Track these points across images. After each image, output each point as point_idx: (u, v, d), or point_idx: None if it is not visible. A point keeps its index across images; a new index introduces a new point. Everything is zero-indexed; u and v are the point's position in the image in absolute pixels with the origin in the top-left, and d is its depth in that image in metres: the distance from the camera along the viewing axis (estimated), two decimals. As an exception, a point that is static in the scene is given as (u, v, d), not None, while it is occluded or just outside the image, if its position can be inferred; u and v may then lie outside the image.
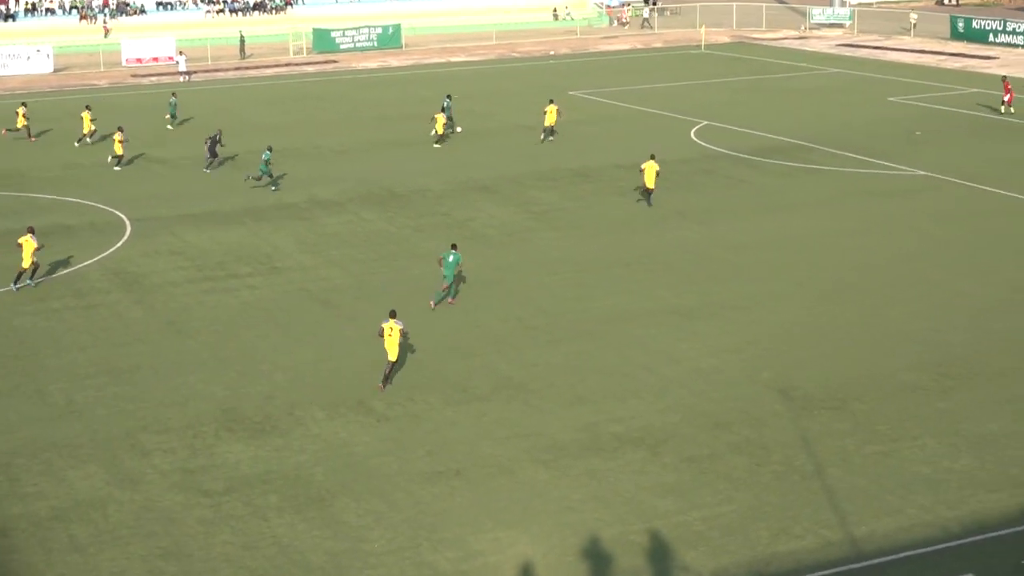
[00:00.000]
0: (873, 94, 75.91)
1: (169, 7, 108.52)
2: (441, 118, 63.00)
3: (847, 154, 58.47)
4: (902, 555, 24.29)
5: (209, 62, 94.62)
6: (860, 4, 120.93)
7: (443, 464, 28.32)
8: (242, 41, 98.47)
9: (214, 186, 54.88)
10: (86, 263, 43.59)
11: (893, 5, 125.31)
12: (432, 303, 38.58)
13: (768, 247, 44.31)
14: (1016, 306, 37.76)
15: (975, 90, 76.03)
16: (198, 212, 50.30)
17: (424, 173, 56.59)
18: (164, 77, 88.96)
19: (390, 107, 73.88)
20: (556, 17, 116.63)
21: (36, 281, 41.31)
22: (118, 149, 58.54)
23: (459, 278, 39.51)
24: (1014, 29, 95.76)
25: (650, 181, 49.08)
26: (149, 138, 65.63)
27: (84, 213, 50.37)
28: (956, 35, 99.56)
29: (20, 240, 40.94)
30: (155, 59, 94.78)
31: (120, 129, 59.54)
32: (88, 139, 63.65)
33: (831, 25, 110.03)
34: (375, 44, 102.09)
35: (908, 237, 45.15)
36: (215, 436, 29.87)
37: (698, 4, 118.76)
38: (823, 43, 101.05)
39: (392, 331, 32.27)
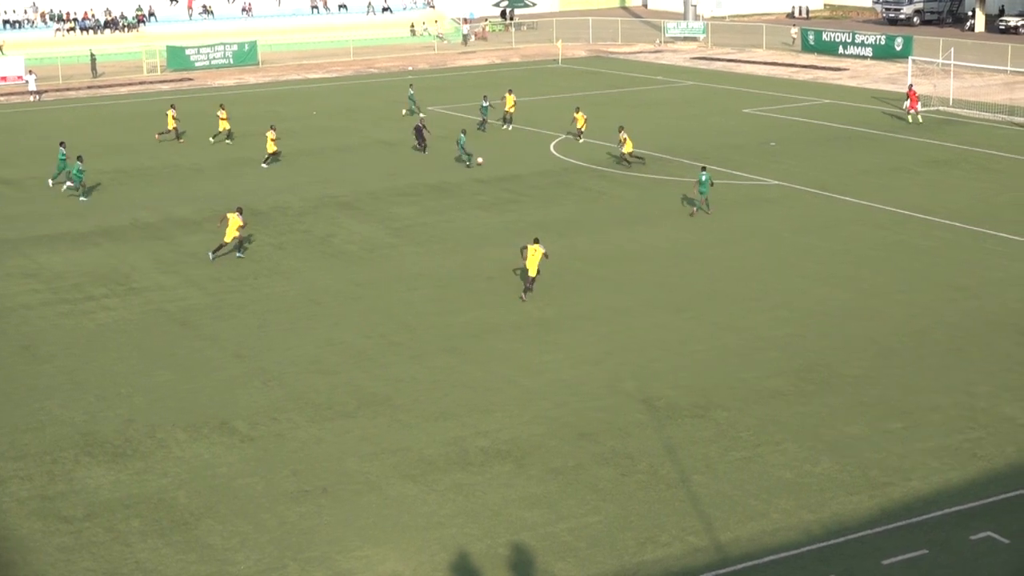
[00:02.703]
0: (728, 106, 77.08)
1: (17, 26, 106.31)
2: (580, 116, 66.06)
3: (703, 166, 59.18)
4: (767, 559, 24.62)
5: (60, 81, 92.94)
6: (713, 18, 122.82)
7: (309, 483, 28.07)
8: (93, 60, 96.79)
9: (66, 207, 53.82)
10: (-65, 288, 42.49)
11: (745, 19, 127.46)
12: (693, 212, 49.54)
13: (628, 258, 44.71)
14: (873, 311, 38.56)
15: (827, 101, 77.56)
16: (51, 233, 49.29)
17: (283, 190, 56.16)
18: (13, 97, 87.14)
19: (247, 124, 73.08)
20: (414, 32, 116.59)
21: (216, 256, 45.35)
22: (271, 147, 61.52)
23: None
24: (862, 41, 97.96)
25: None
26: (-1, 159, 64.41)
27: (-68, 236, 49.11)
28: (807, 47, 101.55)
29: (227, 215, 45.01)
30: (3, 79, 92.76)
31: (272, 127, 63.11)
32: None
33: (685, 38, 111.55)
34: (231, 61, 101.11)
35: (767, 246, 45.88)
36: (74, 461, 29.24)
37: (554, 19, 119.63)
38: (678, 56, 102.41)
39: (535, 252, 39.52)
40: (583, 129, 66.38)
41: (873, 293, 40.33)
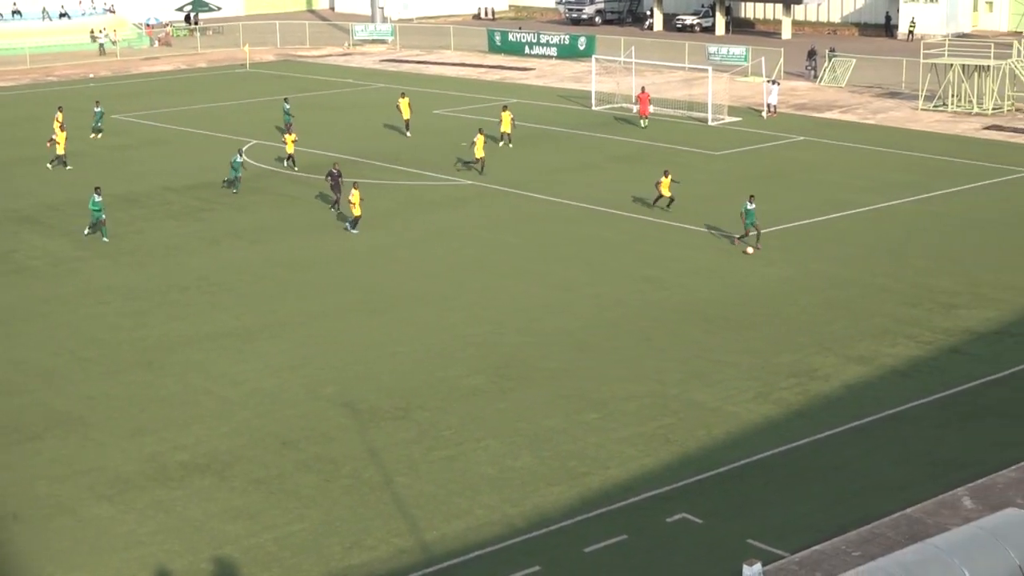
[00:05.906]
0: (418, 107, 77.28)
1: None
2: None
3: (396, 167, 59.42)
4: (472, 555, 24.85)
5: None
6: (401, 20, 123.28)
7: (-3, 510, 26.91)
8: None
9: None
10: None
11: (433, 21, 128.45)
12: (751, 249, 44.38)
13: (325, 263, 44.45)
14: (566, 305, 39.37)
15: (515, 100, 78.75)
16: None
17: (-40, 205, 53.70)
18: None
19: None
20: (94, 39, 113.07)
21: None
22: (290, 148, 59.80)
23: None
24: (547, 41, 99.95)
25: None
26: None
27: None
28: (494, 48, 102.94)
29: (350, 197, 47.45)
30: None
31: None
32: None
33: (374, 41, 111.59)
34: None
35: (461, 245, 46.31)
36: None
37: (240, 23, 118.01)
38: (367, 59, 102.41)
39: (667, 180, 49.38)
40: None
41: (566, 287, 41.18)
